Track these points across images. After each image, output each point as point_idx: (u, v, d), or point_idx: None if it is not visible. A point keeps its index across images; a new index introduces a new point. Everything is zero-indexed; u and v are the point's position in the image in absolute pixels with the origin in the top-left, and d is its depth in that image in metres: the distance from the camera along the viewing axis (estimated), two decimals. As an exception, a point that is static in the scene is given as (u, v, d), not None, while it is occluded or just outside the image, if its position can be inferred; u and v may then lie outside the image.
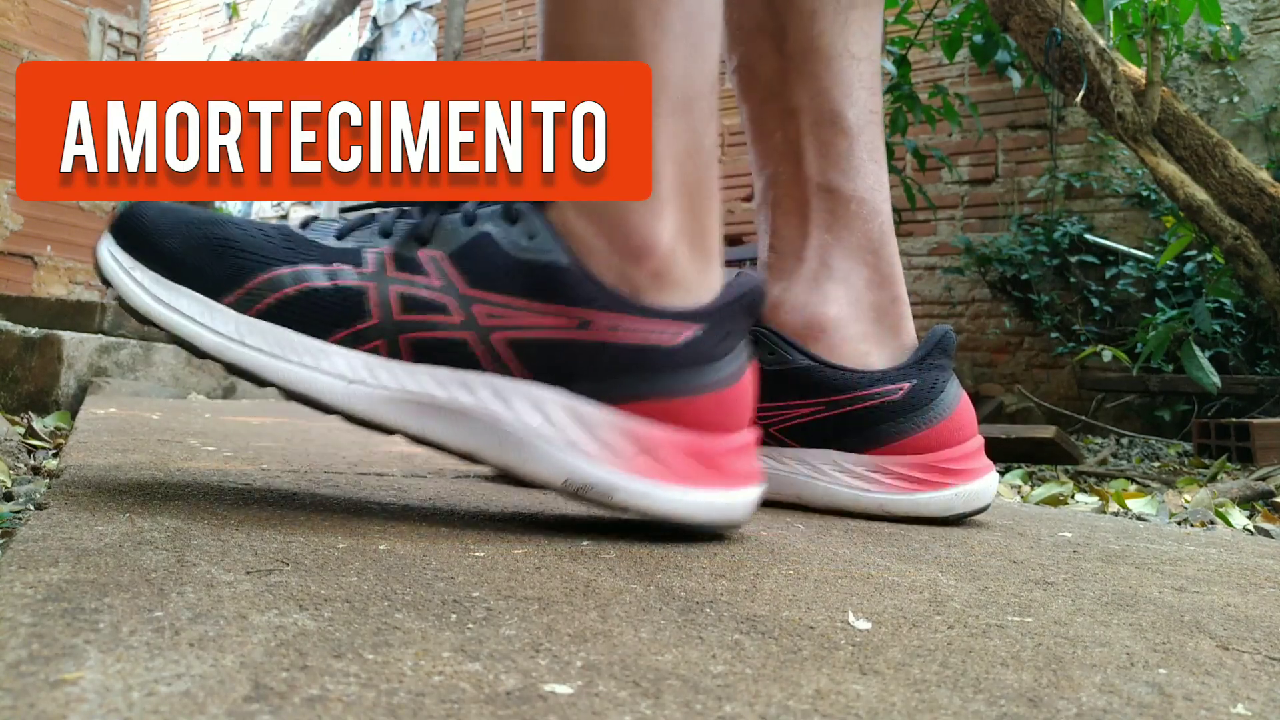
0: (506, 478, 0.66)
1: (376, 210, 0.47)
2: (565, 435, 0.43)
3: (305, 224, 0.47)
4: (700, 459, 0.44)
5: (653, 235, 0.45)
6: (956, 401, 0.61)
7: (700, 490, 0.44)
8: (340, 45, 5.48)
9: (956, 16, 2.33)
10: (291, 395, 0.43)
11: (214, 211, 0.47)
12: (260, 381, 0.43)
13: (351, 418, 0.43)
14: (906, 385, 0.60)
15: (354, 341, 0.43)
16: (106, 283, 0.44)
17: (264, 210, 5.81)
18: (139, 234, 0.44)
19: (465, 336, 0.43)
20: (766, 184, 0.68)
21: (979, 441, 0.62)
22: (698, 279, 0.46)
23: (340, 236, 0.45)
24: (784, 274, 0.65)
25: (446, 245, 0.44)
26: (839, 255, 0.64)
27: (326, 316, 0.43)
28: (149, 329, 1.72)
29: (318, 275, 0.43)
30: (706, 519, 0.44)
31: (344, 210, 0.48)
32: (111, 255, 0.44)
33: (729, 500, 0.44)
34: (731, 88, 0.70)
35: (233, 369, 0.43)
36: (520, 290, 0.43)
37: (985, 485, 0.61)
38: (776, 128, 0.66)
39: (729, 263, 3.73)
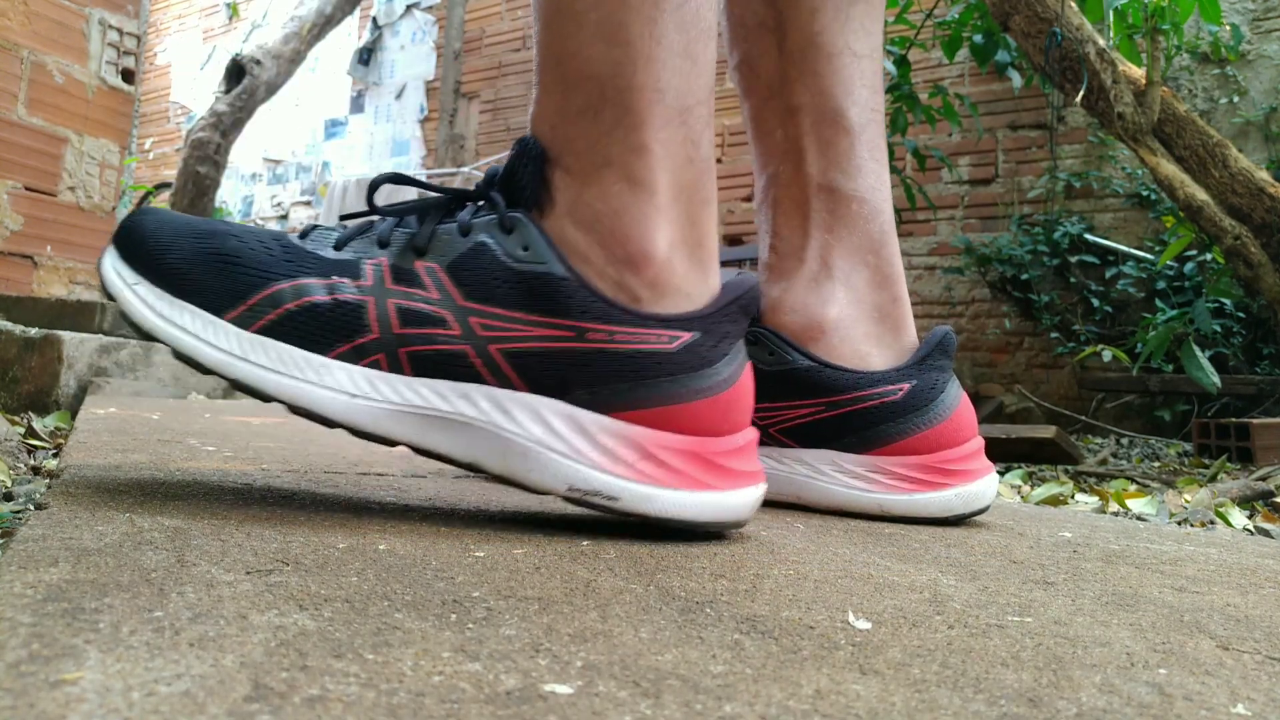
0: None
1: (375, 218, 0.47)
2: (567, 444, 0.43)
3: (304, 233, 0.47)
4: (701, 462, 0.44)
5: (649, 244, 0.45)
6: (956, 402, 0.61)
7: (703, 493, 0.44)
8: (340, 45, 5.48)
9: (956, 16, 2.33)
10: (296, 410, 0.43)
11: (213, 220, 0.47)
12: (264, 397, 0.43)
13: (355, 431, 0.44)
14: (906, 386, 0.60)
15: (355, 356, 0.43)
16: (111, 297, 0.44)
17: (263, 210, 5.81)
18: (141, 247, 0.44)
19: (464, 349, 0.43)
20: (767, 183, 0.67)
21: (979, 442, 0.62)
22: (695, 285, 0.46)
23: (338, 247, 0.45)
24: (784, 274, 0.65)
25: (443, 257, 0.44)
26: (840, 255, 0.64)
27: (327, 331, 0.43)
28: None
29: (317, 289, 0.44)
30: (710, 520, 0.44)
31: (343, 218, 0.48)
32: (115, 270, 0.45)
33: (731, 501, 0.45)
34: (733, 85, 0.70)
35: (236, 384, 0.43)
36: (516, 302, 0.43)
37: (985, 486, 0.60)
38: (777, 126, 0.66)
39: (728, 263, 3.73)
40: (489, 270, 0.44)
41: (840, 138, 0.64)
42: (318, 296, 0.44)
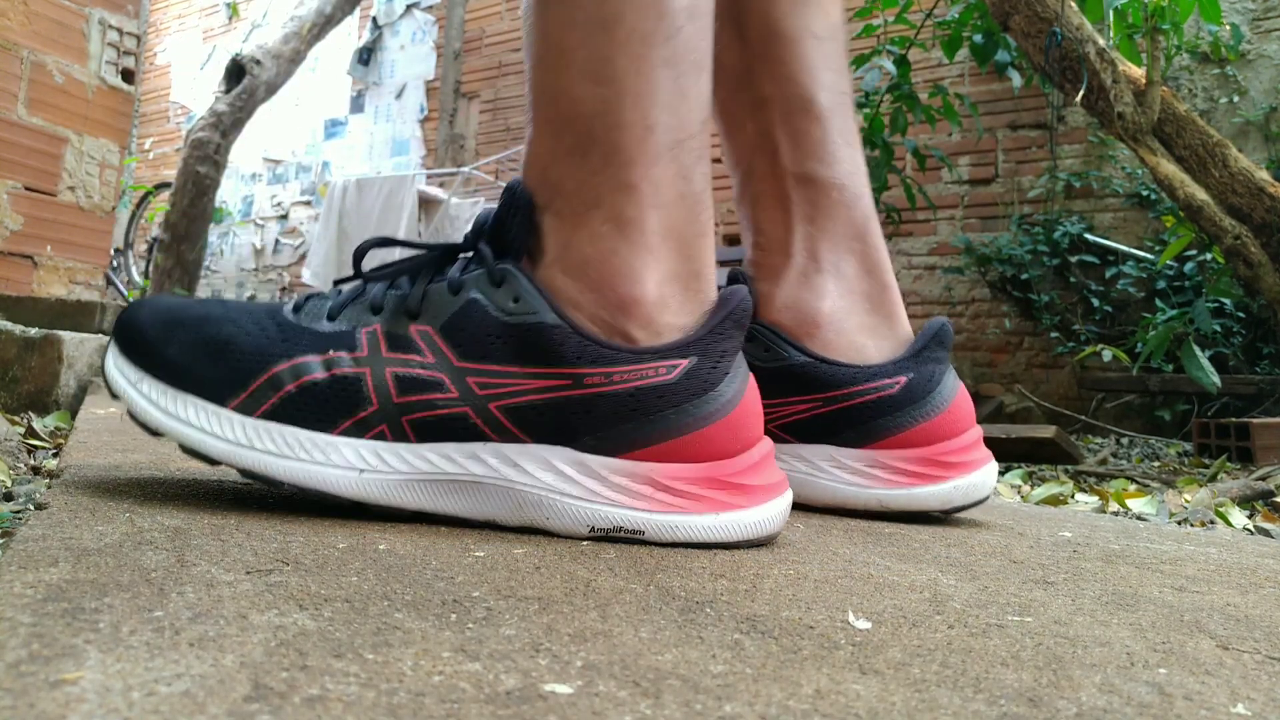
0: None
1: (369, 283, 0.47)
2: (581, 488, 0.43)
3: (299, 306, 0.47)
4: (721, 485, 0.44)
5: (639, 287, 0.44)
6: (954, 394, 0.61)
7: (727, 513, 0.44)
8: (340, 45, 5.48)
9: (956, 16, 2.33)
10: (306, 491, 0.43)
11: (205, 301, 0.47)
12: (275, 483, 0.43)
13: (370, 505, 0.44)
14: (903, 379, 0.60)
15: (359, 430, 0.44)
16: (115, 396, 0.45)
17: (263, 210, 5.81)
18: (140, 343, 0.45)
19: (464, 410, 0.43)
20: (743, 179, 0.67)
21: (977, 433, 0.62)
22: (690, 316, 0.46)
23: (332, 317, 0.46)
24: (773, 271, 0.64)
25: (435, 318, 0.44)
26: (826, 247, 0.64)
27: (329, 409, 0.43)
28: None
29: (315, 367, 0.44)
30: (741, 538, 0.44)
31: (337, 282, 0.49)
32: (118, 369, 0.45)
33: (758, 516, 0.44)
34: None
35: (246, 473, 0.43)
36: (511, 356, 0.43)
37: (984, 477, 0.60)
38: (747, 119, 0.65)
39: (725, 263, 3.73)
40: (481, 327, 0.44)
41: (812, 126, 0.63)
42: (316, 375, 0.44)
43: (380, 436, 0.44)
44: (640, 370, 0.43)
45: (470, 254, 0.47)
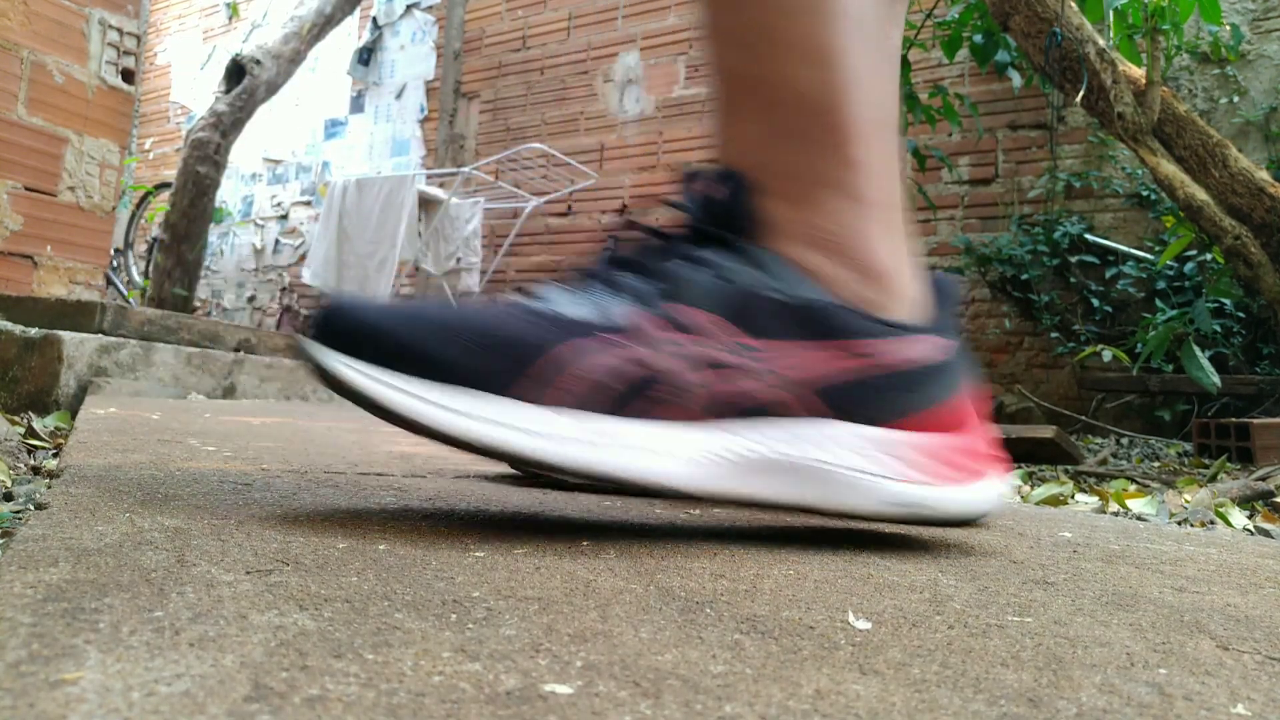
0: (507, 479, 0.66)
1: (598, 271, 0.45)
2: (875, 466, 0.44)
3: (535, 296, 0.43)
4: (976, 455, 0.46)
5: (879, 255, 0.46)
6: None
7: (985, 482, 0.46)
8: (340, 45, 5.48)
9: (956, 16, 2.33)
10: (620, 483, 0.41)
11: (425, 304, 0.42)
12: (589, 477, 0.40)
13: (688, 495, 0.42)
14: None
15: (658, 412, 0.42)
16: (358, 400, 0.38)
17: (263, 210, 5.81)
18: (378, 342, 0.39)
19: (752, 386, 0.43)
20: None
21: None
22: (913, 288, 0.48)
23: (590, 303, 0.43)
24: None
25: (707, 302, 0.43)
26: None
27: (624, 392, 0.41)
28: (149, 328, 1.67)
29: (593, 349, 0.40)
30: (988, 509, 0.46)
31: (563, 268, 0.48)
32: (360, 372, 0.38)
33: (1001, 486, 0.47)
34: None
35: (558, 470, 0.40)
36: (794, 333, 0.43)
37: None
38: None
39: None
40: (757, 307, 0.44)
41: None
42: (601, 359, 0.40)
43: (679, 419, 0.42)
44: (909, 344, 0.45)
45: (700, 240, 0.45)
